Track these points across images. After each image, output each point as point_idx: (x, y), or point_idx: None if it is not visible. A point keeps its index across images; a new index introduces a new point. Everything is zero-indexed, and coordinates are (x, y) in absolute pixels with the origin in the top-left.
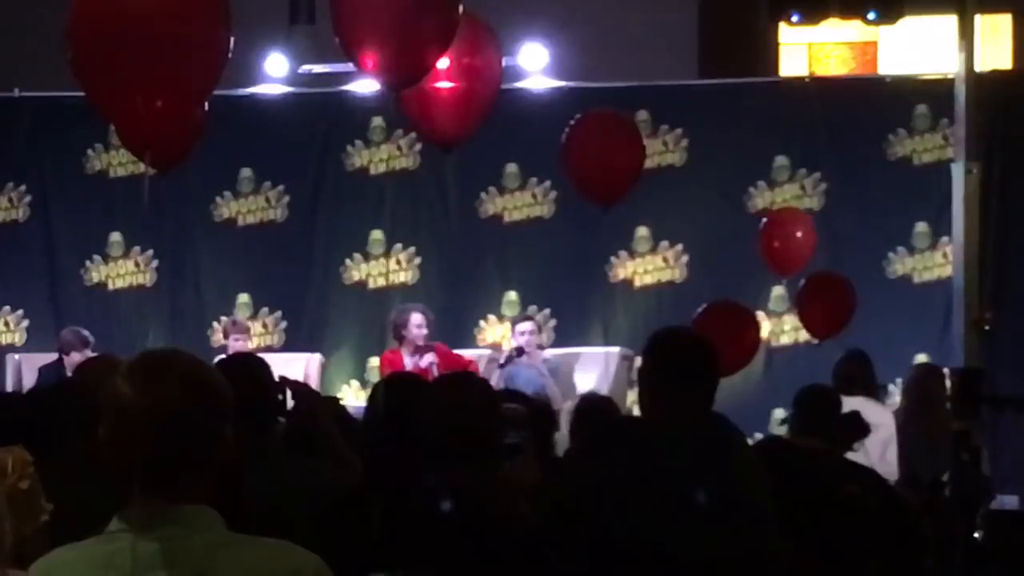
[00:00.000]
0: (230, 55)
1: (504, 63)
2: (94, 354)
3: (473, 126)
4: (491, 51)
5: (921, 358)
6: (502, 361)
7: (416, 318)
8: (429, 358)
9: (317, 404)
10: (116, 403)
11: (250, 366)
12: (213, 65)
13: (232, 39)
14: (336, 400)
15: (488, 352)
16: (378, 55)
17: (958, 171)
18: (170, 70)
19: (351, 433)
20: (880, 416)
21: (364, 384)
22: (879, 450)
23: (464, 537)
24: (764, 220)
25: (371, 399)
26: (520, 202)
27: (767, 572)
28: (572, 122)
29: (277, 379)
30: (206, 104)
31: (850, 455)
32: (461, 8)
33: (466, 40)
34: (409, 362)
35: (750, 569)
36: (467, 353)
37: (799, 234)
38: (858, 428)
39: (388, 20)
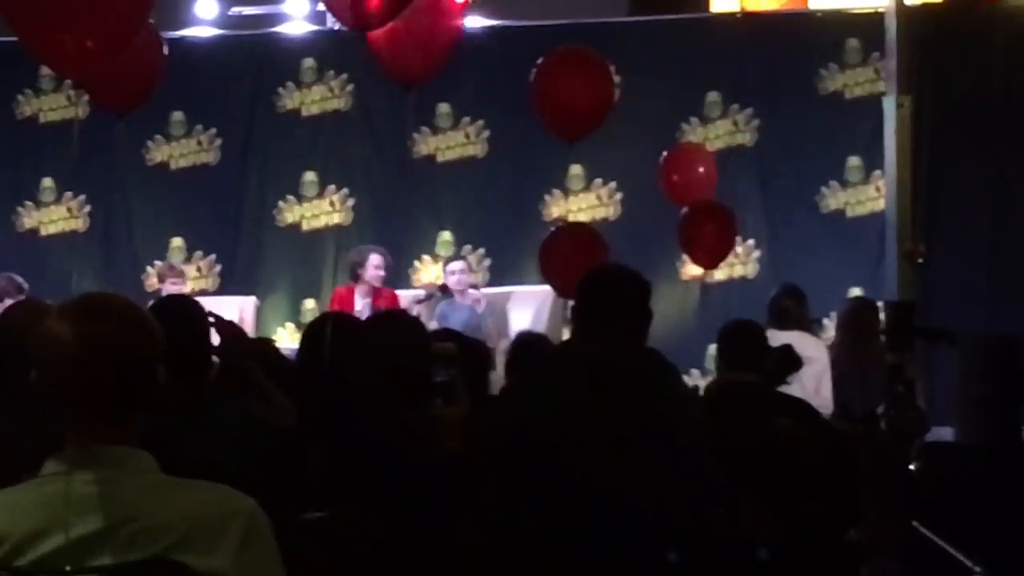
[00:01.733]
0: None
1: None
2: None
3: (439, 65)
4: None
5: (855, 292)
6: (422, 298)
7: (375, 259)
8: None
9: (245, 344)
10: (50, 343)
11: (184, 307)
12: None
13: None
14: (270, 341)
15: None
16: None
17: (889, 105)
18: (96, 10)
19: (286, 373)
20: (814, 350)
21: (299, 326)
22: (813, 384)
23: (396, 474)
24: (664, 154)
25: (310, 337)
26: (453, 142)
27: (701, 505)
28: (543, 58)
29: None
30: (164, 47)
31: (784, 389)
32: None
33: None
34: (360, 303)
35: (682, 502)
36: (402, 293)
37: (700, 169)
38: (790, 361)
39: None
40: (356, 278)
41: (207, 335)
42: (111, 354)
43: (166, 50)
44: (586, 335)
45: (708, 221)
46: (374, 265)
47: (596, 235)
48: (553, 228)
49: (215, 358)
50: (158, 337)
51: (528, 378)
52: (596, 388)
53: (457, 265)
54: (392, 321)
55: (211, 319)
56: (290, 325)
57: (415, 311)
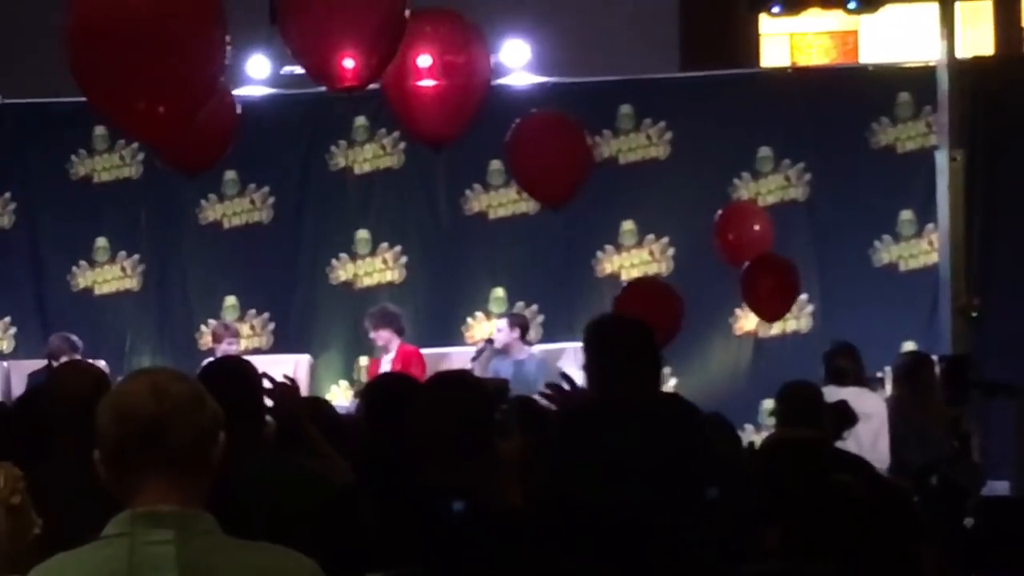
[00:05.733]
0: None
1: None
2: None
3: (461, 125)
4: (476, 49)
5: (909, 345)
6: (473, 355)
7: (367, 325)
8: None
9: (298, 403)
10: (119, 407)
11: (238, 369)
12: (212, 66)
13: (228, 40)
14: (324, 400)
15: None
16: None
17: (942, 158)
18: (169, 72)
19: (340, 432)
20: (873, 405)
21: (353, 384)
22: (870, 439)
23: (461, 534)
24: (719, 212)
25: (369, 394)
26: (505, 199)
27: (727, 542)
28: (515, 124)
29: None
30: (238, 107)
31: (842, 445)
32: (407, 11)
33: (450, 38)
34: (384, 362)
35: (707, 538)
36: (457, 351)
37: (756, 227)
38: (846, 417)
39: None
40: (368, 345)
41: (260, 395)
42: (179, 419)
43: (239, 109)
44: (599, 385)
45: (769, 274)
46: (370, 335)
47: (669, 288)
48: (623, 283)
49: (269, 418)
50: (215, 405)
51: (560, 428)
52: (617, 434)
53: (500, 323)
54: (454, 380)
55: (264, 380)
56: (344, 383)
57: (469, 366)
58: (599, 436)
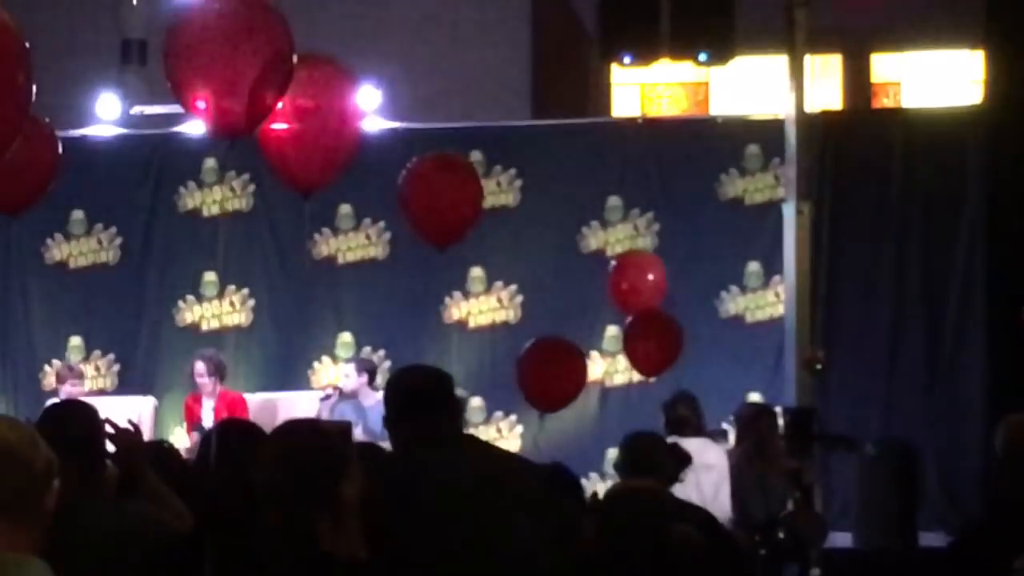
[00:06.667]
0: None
1: None
2: None
3: (329, 170)
4: (337, 93)
5: (754, 396)
6: (322, 397)
7: (197, 366)
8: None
9: (140, 450)
10: None
11: (80, 412)
12: (16, 113)
13: (34, 86)
14: (169, 446)
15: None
16: (206, 104)
17: (789, 211)
18: None
19: (185, 478)
20: (715, 456)
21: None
22: (711, 491)
23: None
24: (614, 262)
25: (206, 443)
26: (354, 243)
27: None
28: (408, 166)
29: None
30: (59, 145)
31: (683, 494)
32: (295, 57)
33: (310, 83)
34: (206, 406)
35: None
36: (302, 395)
37: (651, 276)
38: (680, 458)
39: (217, 70)
40: (194, 385)
41: (101, 440)
42: (11, 466)
43: (60, 148)
44: (402, 431)
45: (652, 334)
46: (197, 373)
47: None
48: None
49: (110, 463)
50: (50, 453)
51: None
52: (433, 469)
53: (345, 368)
54: (299, 428)
55: (107, 426)
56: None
57: (315, 410)
58: (411, 473)
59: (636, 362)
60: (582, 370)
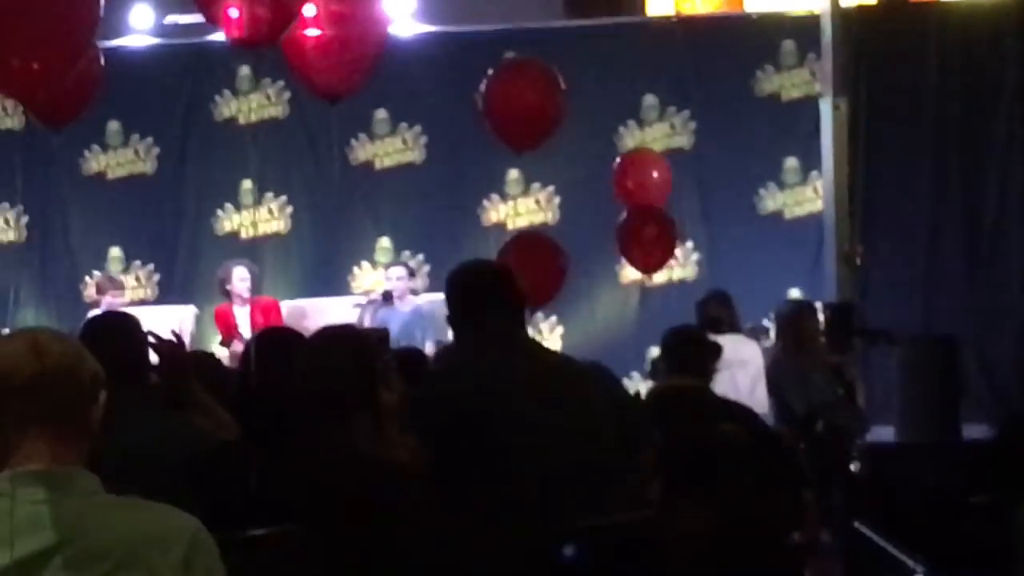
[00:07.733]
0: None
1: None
2: None
3: (354, 76)
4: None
5: (794, 293)
6: (366, 303)
7: (238, 271)
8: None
9: (184, 362)
10: None
11: (123, 326)
12: (87, 19)
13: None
14: (211, 355)
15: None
16: (234, 11)
17: (826, 106)
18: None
19: (226, 387)
20: (750, 352)
21: None
22: (748, 386)
23: (339, 489)
24: (617, 160)
25: (244, 357)
26: (391, 148)
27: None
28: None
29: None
30: (101, 59)
31: (719, 390)
32: None
33: None
34: (240, 316)
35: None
36: (341, 300)
37: (655, 174)
38: (715, 353)
39: None
40: (226, 293)
41: (145, 352)
42: (59, 378)
43: (103, 61)
44: (465, 329)
45: (647, 225)
46: (239, 278)
47: (552, 242)
48: (504, 236)
49: (154, 376)
50: (96, 365)
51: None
52: (509, 367)
53: (397, 271)
54: (334, 338)
55: (150, 338)
56: None
57: (355, 315)
58: (478, 382)
59: (632, 259)
60: (561, 263)
